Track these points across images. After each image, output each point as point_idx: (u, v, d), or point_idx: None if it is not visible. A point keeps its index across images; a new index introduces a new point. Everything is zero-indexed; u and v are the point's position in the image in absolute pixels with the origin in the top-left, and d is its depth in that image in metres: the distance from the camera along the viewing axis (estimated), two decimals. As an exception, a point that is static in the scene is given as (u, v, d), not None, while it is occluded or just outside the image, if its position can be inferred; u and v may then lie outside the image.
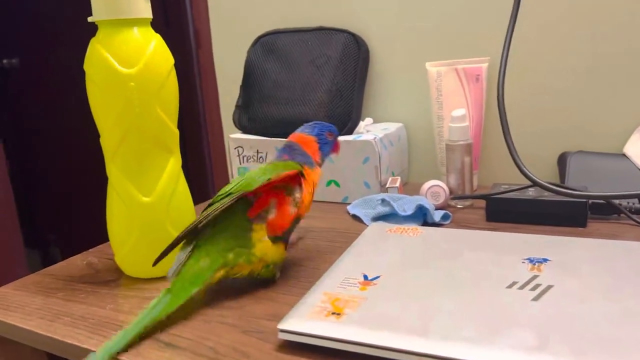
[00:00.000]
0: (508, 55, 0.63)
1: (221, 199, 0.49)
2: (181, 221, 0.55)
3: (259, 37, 0.88)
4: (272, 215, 0.49)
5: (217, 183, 1.07)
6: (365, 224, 0.68)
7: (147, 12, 0.51)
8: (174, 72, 0.53)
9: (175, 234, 0.54)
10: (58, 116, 2.21)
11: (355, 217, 0.71)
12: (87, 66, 0.50)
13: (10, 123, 2.43)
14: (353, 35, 0.84)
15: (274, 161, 0.52)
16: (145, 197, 0.52)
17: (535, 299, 0.42)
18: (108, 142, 0.52)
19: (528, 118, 0.80)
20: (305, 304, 0.44)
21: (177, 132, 0.55)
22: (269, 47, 0.86)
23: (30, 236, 2.48)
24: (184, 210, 0.55)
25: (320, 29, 0.85)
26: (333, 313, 0.42)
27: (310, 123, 0.57)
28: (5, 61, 2.31)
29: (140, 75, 0.49)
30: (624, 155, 0.72)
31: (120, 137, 0.51)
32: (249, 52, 0.88)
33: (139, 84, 0.50)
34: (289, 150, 0.54)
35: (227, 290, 0.51)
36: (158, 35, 0.52)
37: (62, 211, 2.42)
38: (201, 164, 1.24)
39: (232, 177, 0.85)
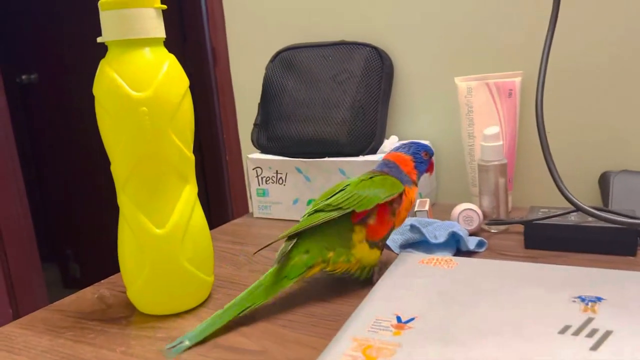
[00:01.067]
0: (547, 68, 0.58)
1: (330, 210, 0.51)
2: (197, 254, 0.51)
3: (278, 53, 0.85)
4: (372, 221, 0.52)
5: (236, 206, 1.04)
6: (393, 251, 0.63)
7: (160, 31, 0.48)
8: (189, 94, 0.50)
9: (190, 267, 0.50)
10: (77, 131, 2.20)
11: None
12: (96, 90, 0.47)
13: (28, 137, 2.44)
14: (376, 49, 0.80)
15: (375, 172, 0.55)
16: (158, 229, 0.48)
17: (594, 347, 0.37)
18: (119, 171, 0.48)
19: (565, 135, 0.75)
20: (333, 352, 0.39)
21: (192, 158, 0.51)
22: (288, 62, 0.83)
23: (48, 251, 2.47)
24: (200, 242, 0.52)
25: (342, 44, 0.82)
26: (365, 364, 0.37)
27: (406, 142, 0.59)
28: (24, 77, 2.33)
29: (153, 99, 0.46)
30: (672, 174, 0.67)
31: (132, 165, 0.47)
32: (267, 68, 0.84)
33: (152, 108, 0.46)
34: (387, 169, 0.56)
35: (250, 329, 0.47)
36: (172, 56, 0.49)
37: (81, 226, 2.41)
38: (220, 186, 1.20)
39: (251, 199, 0.81)
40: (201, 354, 0.44)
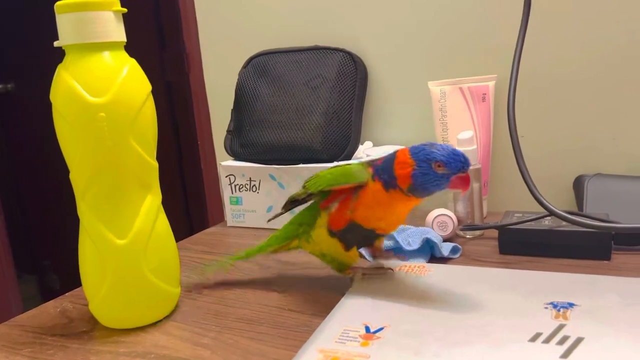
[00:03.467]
0: (518, 71, 0.58)
1: (302, 189, 0.52)
2: (161, 265, 0.49)
3: (251, 58, 0.84)
4: (333, 210, 0.49)
5: (212, 215, 1.02)
6: (366, 259, 0.62)
7: (120, 35, 0.46)
8: (151, 99, 0.48)
9: (154, 279, 0.48)
10: (55, 141, 2.16)
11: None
12: (53, 96, 0.45)
13: (5, 147, 2.39)
14: (350, 54, 0.79)
15: (361, 162, 0.50)
16: (120, 239, 0.47)
17: (564, 355, 0.36)
18: (78, 179, 0.47)
19: (540, 139, 0.74)
20: (298, 364, 0.38)
21: (156, 165, 0.49)
22: (261, 68, 0.82)
23: (26, 262, 2.42)
24: (165, 252, 0.50)
25: (315, 49, 0.81)
26: (330, 377, 0.36)
27: (426, 143, 0.45)
28: (0, 86, 2.28)
29: (112, 105, 0.44)
30: (645, 177, 0.67)
31: (91, 174, 0.46)
32: (240, 74, 0.83)
33: (110, 114, 0.44)
34: (384, 159, 0.47)
35: (215, 342, 0.45)
36: (133, 60, 0.47)
37: (59, 237, 2.37)
38: (199, 195, 1.18)
39: (225, 207, 0.80)
40: (162, 369, 0.42)
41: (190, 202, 1.82)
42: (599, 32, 0.69)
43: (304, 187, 0.52)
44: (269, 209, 0.76)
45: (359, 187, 0.47)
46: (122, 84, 0.45)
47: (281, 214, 0.56)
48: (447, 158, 0.43)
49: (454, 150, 0.44)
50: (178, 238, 0.75)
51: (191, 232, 0.79)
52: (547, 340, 0.38)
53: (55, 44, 0.46)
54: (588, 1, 0.69)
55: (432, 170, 0.44)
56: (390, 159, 0.46)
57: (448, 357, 0.37)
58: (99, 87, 0.44)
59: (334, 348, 0.39)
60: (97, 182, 0.46)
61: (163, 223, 0.50)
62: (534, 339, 0.38)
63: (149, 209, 0.48)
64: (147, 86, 0.47)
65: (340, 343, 0.40)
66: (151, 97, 0.48)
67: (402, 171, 0.45)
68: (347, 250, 0.51)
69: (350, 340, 0.40)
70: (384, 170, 0.46)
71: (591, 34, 0.70)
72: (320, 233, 0.51)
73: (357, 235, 0.50)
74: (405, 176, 0.45)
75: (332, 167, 0.51)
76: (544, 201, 0.54)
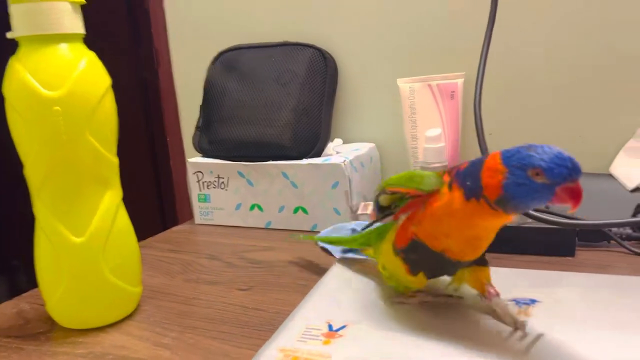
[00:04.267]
0: (485, 68, 0.58)
1: (379, 188, 0.44)
2: (121, 264, 0.48)
3: (220, 54, 0.83)
4: (400, 223, 0.42)
5: (181, 211, 1.00)
6: (334, 256, 0.62)
7: (78, 27, 0.45)
8: (110, 94, 0.47)
9: (113, 278, 0.47)
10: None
11: (324, 249, 0.64)
12: (5, 89, 0.44)
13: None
14: (320, 50, 0.78)
15: (443, 169, 0.42)
16: (77, 237, 0.45)
17: (524, 352, 0.36)
18: (33, 175, 0.45)
19: (508, 137, 0.75)
20: (257, 364, 0.37)
21: (115, 161, 0.48)
22: (230, 64, 0.80)
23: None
24: (125, 250, 0.49)
25: (285, 44, 0.80)
26: (289, 376, 0.35)
27: (523, 145, 0.35)
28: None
29: (68, 98, 0.43)
30: (610, 175, 0.67)
31: (46, 170, 0.44)
32: (208, 69, 0.82)
33: (66, 108, 0.43)
34: (469, 163, 0.38)
35: (177, 342, 0.44)
36: (91, 53, 0.46)
37: (28, 236, 2.31)
38: (167, 191, 1.17)
39: (193, 205, 0.78)
40: (120, 370, 0.41)
41: (163, 199, 1.80)
42: (564, 31, 0.70)
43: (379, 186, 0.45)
44: (238, 207, 0.75)
45: (428, 197, 0.39)
46: (79, 78, 0.43)
47: (375, 222, 0.48)
48: (548, 163, 0.33)
49: (559, 153, 0.33)
50: (151, 235, 0.74)
51: (164, 229, 0.77)
52: (508, 337, 0.38)
53: (8, 35, 0.44)
54: (554, 1, 0.69)
55: (528, 179, 0.34)
56: (478, 163, 0.37)
57: (409, 354, 0.37)
58: (54, 80, 0.43)
59: (295, 347, 0.39)
60: (53, 179, 0.44)
61: (123, 220, 0.49)
62: (494, 335, 0.38)
63: (108, 206, 0.47)
64: (105, 80, 0.46)
65: (301, 342, 0.39)
66: (111, 91, 0.47)
67: (491, 180, 0.35)
68: (412, 274, 0.42)
69: (312, 339, 0.40)
70: (468, 175, 0.37)
71: (557, 33, 0.70)
72: (386, 248, 0.44)
73: (423, 258, 0.40)
74: (495, 186, 0.35)
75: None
76: (509, 198, 0.54)
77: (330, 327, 0.41)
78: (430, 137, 0.65)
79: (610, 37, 0.68)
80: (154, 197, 1.66)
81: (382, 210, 0.45)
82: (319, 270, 0.58)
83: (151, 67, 1.23)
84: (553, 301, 0.42)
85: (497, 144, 0.75)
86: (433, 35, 0.76)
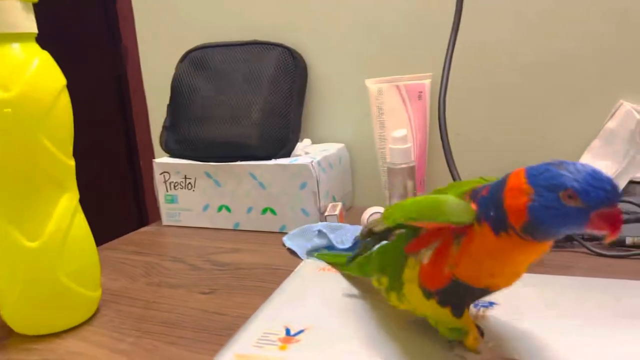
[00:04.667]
0: (450, 69, 0.58)
1: (393, 222, 0.36)
2: (79, 268, 0.47)
3: (188, 52, 0.81)
4: (424, 261, 0.35)
5: (151, 212, 0.99)
6: (300, 257, 0.61)
7: (29, 26, 0.44)
8: (65, 94, 0.46)
9: (69, 283, 0.46)
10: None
11: (292, 250, 0.64)
12: (-46, 90, 0.42)
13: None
14: (289, 49, 0.78)
15: (464, 190, 0.35)
16: (31, 241, 0.44)
17: (476, 353, 0.36)
18: (-16, 179, 0.44)
19: (475, 137, 0.75)
20: (211, 371, 0.37)
21: (72, 164, 0.47)
22: (198, 62, 0.80)
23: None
24: (83, 255, 0.48)
25: (254, 43, 0.79)
26: (243, 383, 0.35)
27: (553, 162, 0.30)
28: None
29: (20, 100, 0.42)
30: (574, 175, 0.68)
31: (-2, 173, 0.43)
32: (177, 68, 0.81)
33: (18, 109, 0.42)
34: (491, 187, 0.33)
35: (134, 347, 0.44)
36: (45, 52, 0.45)
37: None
38: (136, 191, 1.16)
39: (160, 206, 0.77)
40: (73, 378, 0.40)
41: (139, 199, 1.79)
42: (528, 34, 0.70)
43: (382, 216, 0.39)
44: (206, 208, 0.74)
45: (461, 231, 0.33)
46: (31, 78, 0.42)
47: (359, 254, 0.44)
48: (582, 185, 0.28)
49: (594, 173, 0.29)
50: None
51: (125, 229, 0.76)
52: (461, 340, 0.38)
53: (-43, 34, 0.43)
54: (520, 4, 0.70)
55: (559, 201, 0.29)
56: (500, 184, 0.32)
57: (365, 357, 0.36)
58: (5, 81, 0.41)
59: (252, 353, 0.38)
60: (5, 182, 0.43)
61: (80, 224, 0.48)
62: (452, 340, 0.38)
63: (65, 210, 0.46)
64: (60, 80, 0.45)
65: (257, 347, 0.39)
66: (66, 92, 0.46)
67: (515, 202, 0.30)
68: (456, 316, 0.36)
69: (269, 344, 0.39)
70: (490, 203, 0.32)
71: (521, 36, 0.71)
72: (412, 290, 0.37)
73: (464, 295, 0.35)
74: (519, 209, 0.30)
75: (420, 196, 0.39)
76: (472, 200, 0.54)
77: (287, 331, 0.41)
78: (396, 137, 0.65)
79: (573, 40, 0.68)
80: (131, 198, 1.64)
81: (371, 235, 0.40)
82: (285, 273, 0.57)
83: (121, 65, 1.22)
84: (511, 304, 0.43)
85: (464, 145, 0.76)
86: (402, 36, 0.76)
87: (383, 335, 0.39)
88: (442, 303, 0.36)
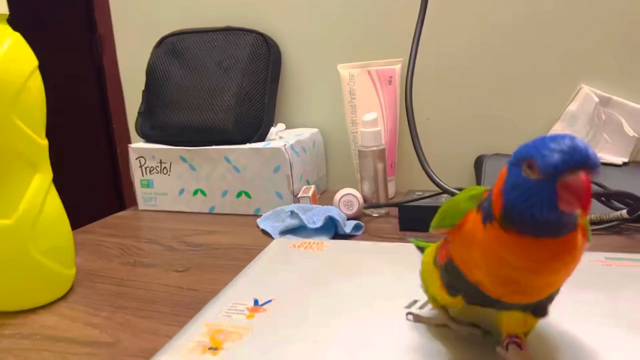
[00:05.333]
0: (416, 56, 0.60)
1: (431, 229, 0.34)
2: (51, 245, 0.48)
3: (163, 39, 0.82)
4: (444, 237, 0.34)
5: (128, 196, 1.00)
6: (272, 237, 0.63)
7: (1, 7, 0.44)
8: (37, 75, 0.46)
9: (43, 259, 0.47)
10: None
11: (265, 232, 0.66)
12: None
13: None
14: (262, 35, 0.79)
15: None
16: (4, 219, 0.45)
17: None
18: (-43, 158, 0.45)
19: (445, 121, 0.77)
20: (181, 338, 0.38)
21: (44, 143, 0.48)
22: (173, 48, 0.80)
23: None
24: (57, 233, 0.49)
25: (228, 29, 0.80)
26: (210, 348, 0.36)
27: (544, 137, 0.26)
28: None
29: (-9, 80, 0.43)
30: (538, 157, 0.71)
31: (-30, 152, 0.44)
32: (151, 54, 0.82)
33: (-11, 89, 0.43)
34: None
35: (107, 321, 0.45)
36: (16, 34, 0.45)
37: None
38: (114, 176, 1.16)
39: (136, 190, 0.78)
40: (45, 348, 0.41)
41: (118, 184, 1.78)
42: (494, 20, 0.72)
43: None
44: (181, 192, 0.76)
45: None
46: (2, 59, 0.43)
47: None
48: (539, 150, 0.25)
49: (557, 136, 0.25)
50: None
51: (103, 212, 0.77)
52: (422, 306, 0.40)
53: None
54: (488, -11, 0.72)
55: (521, 176, 0.26)
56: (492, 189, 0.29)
57: (328, 326, 0.38)
58: (-24, 61, 0.42)
59: (220, 321, 0.40)
60: (-22, 161, 0.44)
61: (54, 203, 0.49)
62: (409, 305, 0.40)
63: (38, 189, 0.47)
64: (31, 62, 0.46)
65: (227, 316, 0.40)
66: (37, 73, 0.47)
67: (495, 187, 0.28)
68: (449, 293, 0.33)
69: (237, 314, 0.41)
70: (490, 192, 0.29)
71: (488, 20, 0.73)
72: (429, 251, 0.36)
73: (459, 283, 0.32)
74: (496, 194, 0.27)
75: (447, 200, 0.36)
76: (437, 179, 0.56)
77: (256, 302, 0.43)
78: (367, 121, 0.67)
79: (536, 26, 0.71)
80: (111, 182, 1.64)
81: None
82: (258, 252, 0.59)
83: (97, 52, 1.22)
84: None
85: (434, 128, 0.78)
86: (374, 21, 0.78)
87: (346, 305, 0.41)
88: (440, 275, 0.34)
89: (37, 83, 0.46)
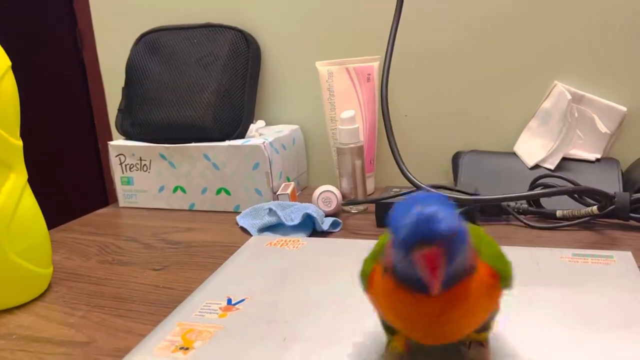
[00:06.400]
0: (392, 54, 0.60)
1: None
2: (27, 245, 0.48)
3: (142, 35, 0.82)
4: None
5: (111, 193, 1.00)
6: (251, 235, 0.64)
7: (-29, 8, 0.44)
8: (10, 75, 0.46)
9: (18, 260, 0.47)
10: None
11: (244, 229, 0.66)
12: None
13: None
14: (242, 32, 0.79)
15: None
16: (-22, 220, 0.45)
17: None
18: None
19: (423, 118, 0.78)
20: (153, 337, 0.39)
21: (18, 144, 0.48)
22: (152, 45, 0.80)
23: None
24: (32, 233, 0.49)
25: (207, 26, 0.80)
26: (181, 348, 0.37)
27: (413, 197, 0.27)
28: None
29: (-38, 81, 0.43)
30: (514, 153, 0.72)
31: (-57, 153, 0.44)
32: (131, 51, 0.81)
33: (-39, 91, 0.43)
34: None
35: (82, 320, 0.45)
36: (-12, 35, 0.45)
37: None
38: (96, 173, 1.17)
39: (116, 187, 0.78)
40: (21, 348, 0.42)
41: (87, 181, 1.77)
42: (471, 15, 0.73)
43: None
44: (161, 189, 0.76)
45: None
46: (-27, 60, 0.43)
47: None
48: (395, 225, 0.26)
49: (410, 209, 0.26)
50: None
51: (87, 209, 0.77)
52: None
53: None
54: (464, -14, 0.73)
55: (392, 244, 0.27)
56: None
57: (298, 324, 0.39)
58: (-54, 62, 0.42)
59: (192, 321, 0.40)
60: (-49, 162, 0.44)
61: (29, 203, 0.49)
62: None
63: (12, 189, 0.47)
64: (4, 62, 0.46)
65: (199, 316, 0.41)
66: (10, 73, 0.47)
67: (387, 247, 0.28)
68: (387, 333, 0.34)
69: (210, 313, 0.41)
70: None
71: (464, 18, 0.73)
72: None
73: (387, 325, 0.34)
74: (389, 247, 0.28)
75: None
76: (410, 176, 0.57)
77: (229, 301, 0.43)
78: (344, 118, 0.67)
79: (510, 24, 0.71)
80: (96, 179, 1.63)
81: None
82: (236, 250, 0.59)
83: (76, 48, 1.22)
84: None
85: (412, 125, 0.78)
86: (352, 19, 0.78)
87: (320, 304, 0.42)
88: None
89: (9, 84, 0.46)
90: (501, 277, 0.29)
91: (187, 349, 0.37)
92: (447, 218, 0.25)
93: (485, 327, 0.32)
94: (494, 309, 0.30)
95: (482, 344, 0.33)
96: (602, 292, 0.41)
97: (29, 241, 0.49)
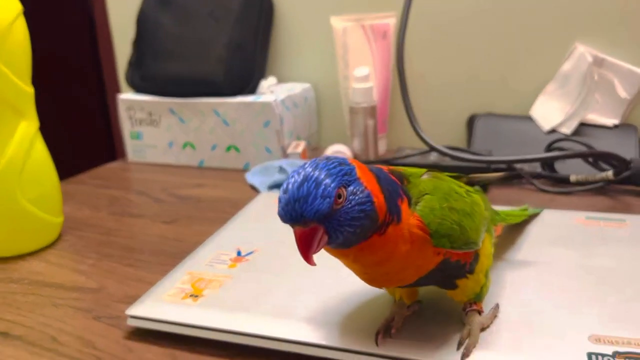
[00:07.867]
0: (409, 10, 0.59)
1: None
2: (38, 191, 0.48)
3: (153, -13, 0.80)
4: None
5: (119, 148, 1.00)
6: (260, 192, 0.63)
7: (-19, -52, 0.43)
8: (21, 21, 0.46)
9: (31, 207, 0.47)
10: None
11: (253, 186, 0.66)
12: None
13: None
14: (255, -14, 0.77)
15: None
16: (-10, 166, 0.45)
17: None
18: (-60, 103, 0.44)
19: (440, 78, 0.76)
20: (163, 285, 0.39)
21: (30, 90, 0.48)
22: (163, -3, 0.78)
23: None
24: (43, 181, 0.49)
25: (220, -21, 0.78)
26: (191, 295, 0.37)
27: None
28: None
29: (-28, 24, 0.42)
30: (530, 117, 0.70)
31: (-47, 97, 0.43)
32: (142, 3, 0.80)
33: (-29, 34, 0.42)
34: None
35: (92, 268, 0.46)
36: (-2, -23, 0.44)
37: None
38: (105, 127, 1.16)
39: (125, 142, 0.78)
40: (33, 292, 0.42)
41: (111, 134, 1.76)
42: (495, -26, 0.71)
43: None
44: (171, 145, 0.75)
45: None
46: (-17, 2, 0.42)
47: None
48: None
49: (286, 185, 0.28)
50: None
51: (91, 163, 0.77)
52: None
53: None
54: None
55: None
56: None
57: (302, 277, 0.39)
58: (-44, 3, 0.41)
59: (203, 270, 0.41)
60: (-39, 107, 0.44)
61: (40, 150, 0.49)
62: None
63: (23, 136, 0.47)
64: (16, 7, 0.45)
65: (209, 266, 0.41)
66: (22, 18, 0.46)
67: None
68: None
69: (220, 263, 0.42)
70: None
71: (488, -24, 0.71)
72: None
73: None
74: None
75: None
76: (424, 137, 0.56)
77: (239, 252, 0.43)
78: (358, 76, 0.66)
79: (537, -18, 0.69)
80: (103, 132, 1.63)
81: None
82: (244, 205, 0.59)
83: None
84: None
85: (428, 85, 0.77)
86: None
87: (328, 258, 0.42)
88: None
89: (21, 29, 0.46)
90: (431, 233, 0.29)
91: (196, 296, 0.37)
92: (319, 200, 0.26)
93: (449, 273, 0.32)
94: (439, 260, 0.30)
95: (479, 311, 0.33)
96: (614, 254, 0.40)
97: (40, 189, 0.49)
